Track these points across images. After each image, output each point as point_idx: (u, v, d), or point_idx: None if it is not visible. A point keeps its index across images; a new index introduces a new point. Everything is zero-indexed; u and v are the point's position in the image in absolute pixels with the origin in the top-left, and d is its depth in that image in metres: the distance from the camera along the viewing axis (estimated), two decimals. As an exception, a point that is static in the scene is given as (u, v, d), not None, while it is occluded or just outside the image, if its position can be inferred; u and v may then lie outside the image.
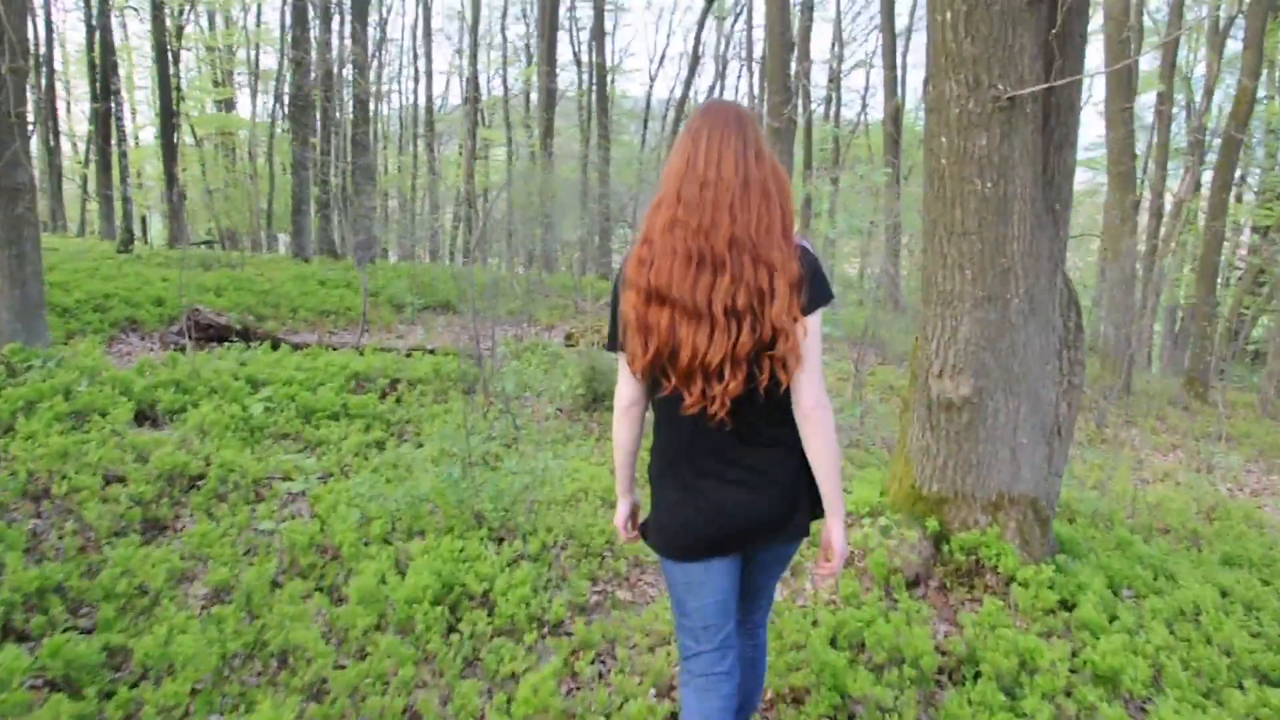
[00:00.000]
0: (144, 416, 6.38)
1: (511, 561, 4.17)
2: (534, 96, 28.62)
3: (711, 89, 30.15)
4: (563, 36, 30.00)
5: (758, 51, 23.84)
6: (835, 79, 25.18)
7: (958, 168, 3.99)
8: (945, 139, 4.01)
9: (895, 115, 18.66)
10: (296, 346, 9.21)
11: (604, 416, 7.77)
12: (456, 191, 30.35)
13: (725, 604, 2.37)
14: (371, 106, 26.50)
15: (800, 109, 13.67)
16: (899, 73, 17.89)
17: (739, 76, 35.16)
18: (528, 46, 31.64)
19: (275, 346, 8.91)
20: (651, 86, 42.69)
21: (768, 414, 2.18)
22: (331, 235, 21.17)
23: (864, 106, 27.12)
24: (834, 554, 2.30)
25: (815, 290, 2.13)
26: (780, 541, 2.36)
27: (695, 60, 26.74)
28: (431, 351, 9.83)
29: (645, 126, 31.32)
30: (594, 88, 25.20)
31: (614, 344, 2.31)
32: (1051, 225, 4.19)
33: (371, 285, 13.78)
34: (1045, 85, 3.98)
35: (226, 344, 8.97)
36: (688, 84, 27.07)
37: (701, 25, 26.36)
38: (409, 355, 9.35)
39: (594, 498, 5.37)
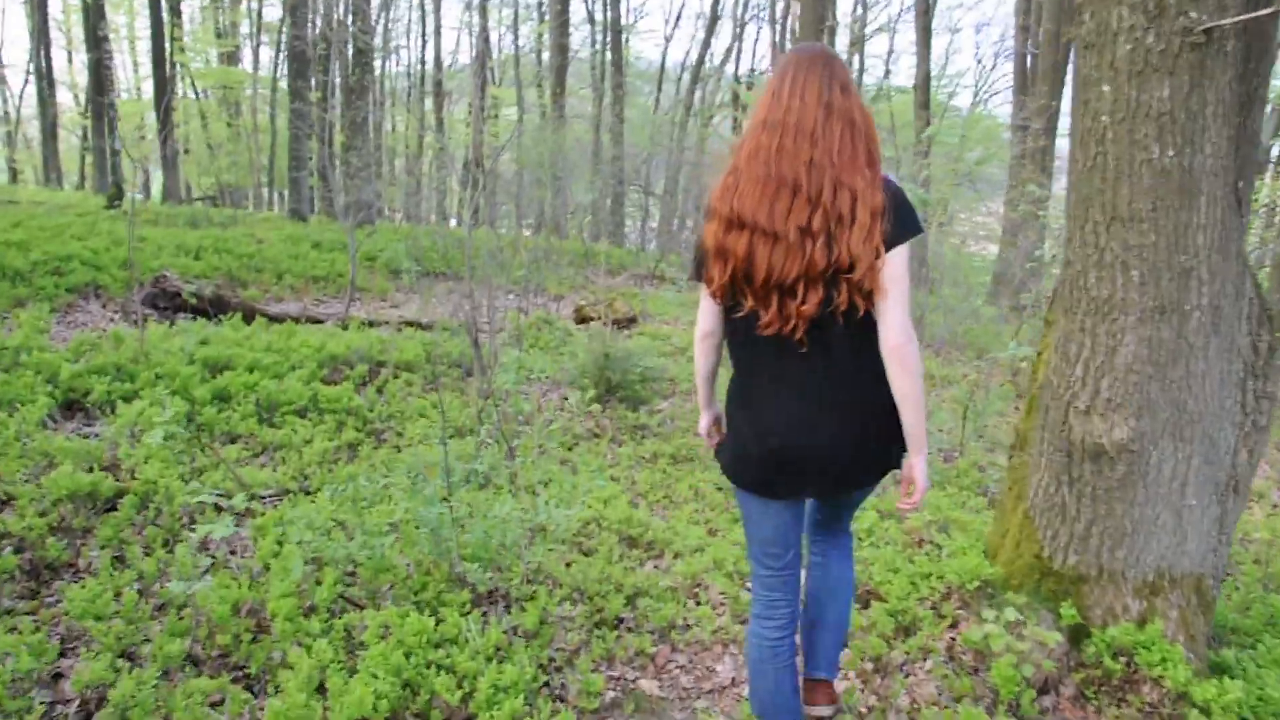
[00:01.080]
0: (74, 408, 5.26)
1: (499, 647, 3.05)
2: (546, 56, 27.24)
3: (729, 51, 28.71)
4: (577, -7, 28.57)
5: (779, 10, 22.44)
6: (859, 42, 23.74)
7: (1127, 128, 2.81)
8: (1109, 88, 2.83)
9: (925, 83, 17.32)
10: (274, 319, 8.07)
11: (618, 412, 6.64)
12: (465, 151, 29.04)
13: (787, 535, 2.43)
14: (376, 62, 25.20)
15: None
16: (930, 35, 16.51)
17: (755, 40, 33.63)
18: (540, 3, 30.16)
19: (249, 319, 7.77)
20: (666, 48, 41.14)
21: (847, 342, 2.16)
22: (332, 195, 19.92)
23: (887, 73, 25.69)
24: (916, 489, 2.29)
25: (901, 221, 2.11)
26: (848, 490, 2.41)
27: (714, 20, 25.33)
28: (426, 326, 8.69)
29: (659, 89, 29.90)
30: (608, 46, 23.82)
31: (697, 273, 2.31)
32: (1237, 211, 3.02)
33: (368, 249, 12.60)
34: (1255, 14, 2.80)
35: (197, 315, 7.84)
36: (705, 45, 25.69)
37: (721, -16, 24.91)
38: (400, 330, 8.21)
39: (609, 531, 4.27)
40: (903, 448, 2.28)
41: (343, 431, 5.31)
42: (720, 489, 5.32)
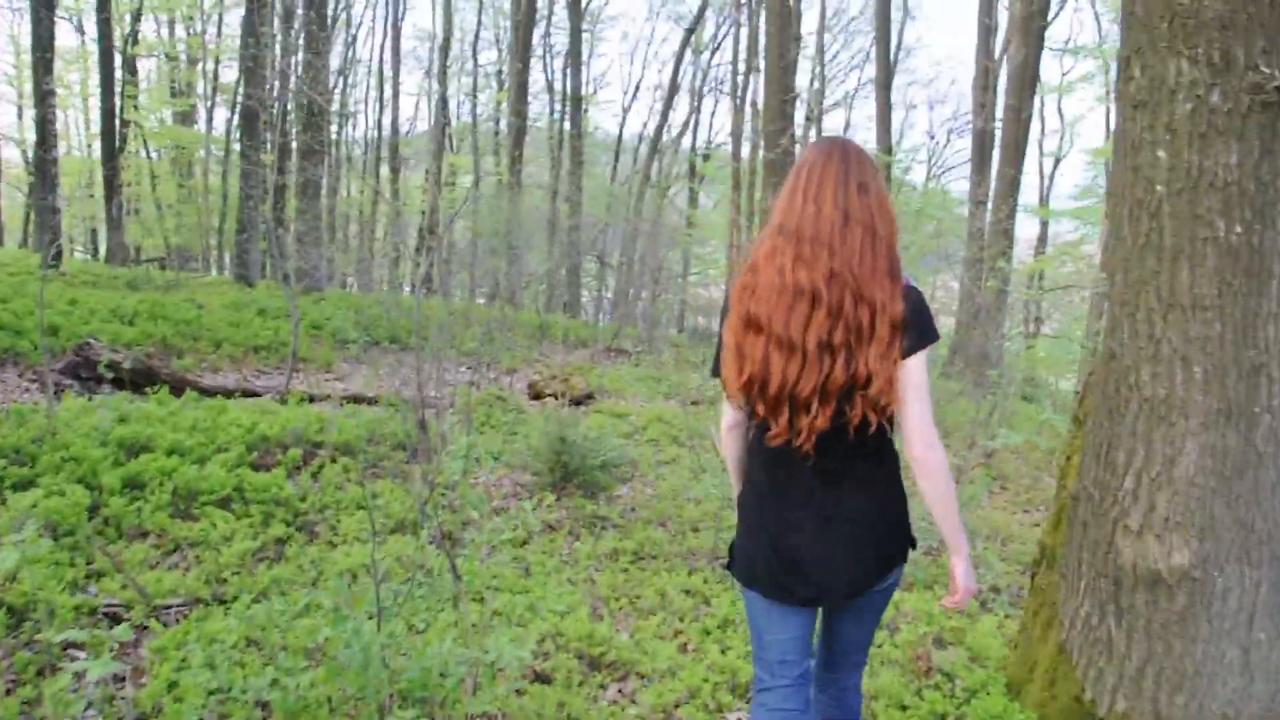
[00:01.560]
0: (-38, 497, 4.59)
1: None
2: (504, 124, 27.02)
3: (686, 123, 28.76)
4: (536, 64, 28.53)
5: (740, 85, 22.46)
6: (816, 117, 23.80)
7: (1187, 200, 2.39)
8: (1165, 154, 2.42)
9: (885, 153, 17.26)
10: (206, 392, 7.42)
11: (575, 501, 6.08)
12: (420, 218, 28.59)
13: (803, 641, 2.33)
14: (333, 126, 24.80)
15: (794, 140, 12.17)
16: (890, 109, 16.50)
17: (713, 112, 33.84)
18: (499, 73, 30.05)
19: (178, 392, 7.12)
20: (624, 118, 41.36)
21: (858, 454, 2.13)
22: (278, 259, 19.26)
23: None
24: (959, 590, 2.21)
25: (919, 331, 2.06)
26: (862, 593, 2.23)
27: (672, 92, 25.34)
28: (372, 401, 8.09)
29: (617, 159, 29.81)
30: (567, 114, 23.66)
31: (717, 369, 2.25)
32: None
33: (314, 317, 11.98)
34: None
35: (121, 387, 7.18)
36: (663, 116, 25.65)
37: (680, 57, 24.99)
38: (342, 406, 7.60)
39: (568, 654, 3.70)
40: (904, 558, 2.25)
41: (270, 526, 4.68)
42: (689, 593, 4.77)
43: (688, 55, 26.23)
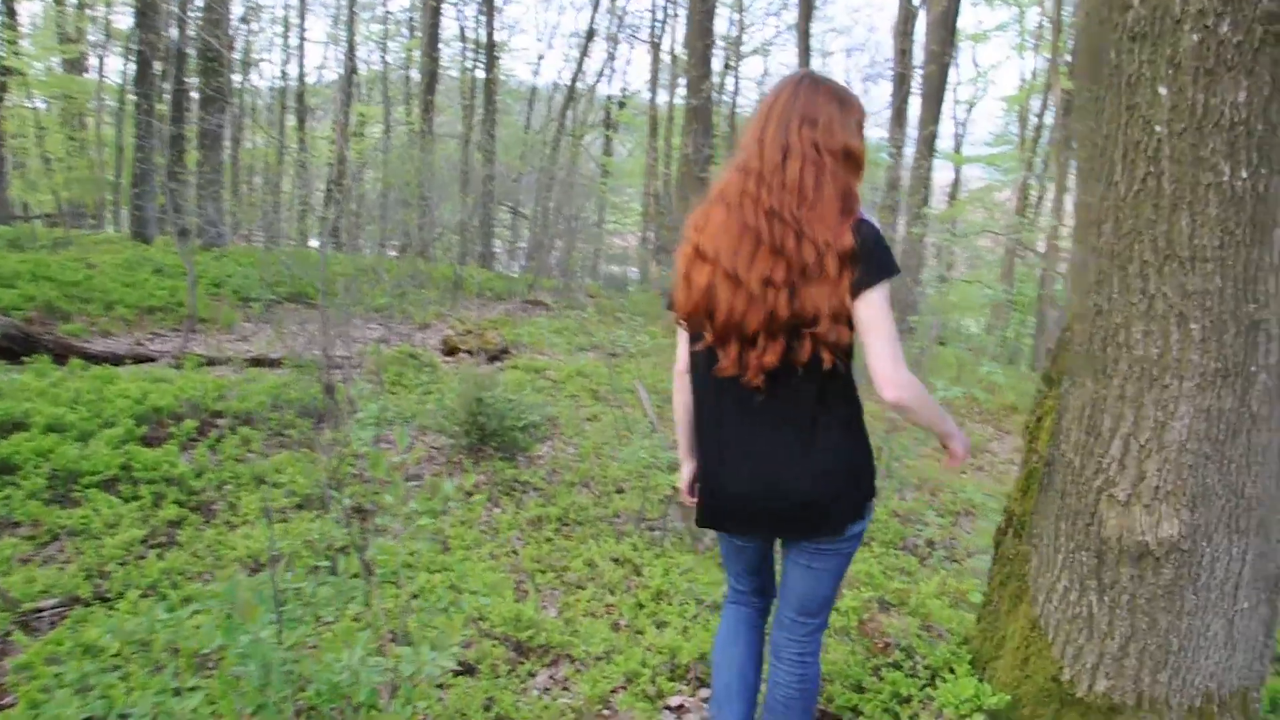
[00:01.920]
0: None
1: None
2: (415, 74, 25.94)
3: (602, 70, 28.09)
4: (448, 10, 27.45)
5: (658, 31, 21.91)
6: (734, 65, 23.45)
7: (1190, 142, 2.13)
8: (1167, 90, 2.15)
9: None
10: (94, 359, 6.82)
11: (494, 464, 5.74)
12: (328, 169, 27.39)
13: (759, 568, 2.43)
14: (236, 75, 23.49)
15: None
16: (809, 56, 16.18)
17: (628, 60, 33.11)
18: (410, 20, 28.82)
19: (62, 360, 6.52)
20: (539, 66, 40.32)
21: (809, 392, 2.04)
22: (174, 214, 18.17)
23: (760, 95, 25.45)
24: (957, 457, 2.25)
25: (873, 265, 1.96)
26: (805, 538, 2.18)
27: (588, 39, 24.64)
28: (275, 364, 7.57)
29: (531, 107, 29.01)
30: (481, 61, 22.82)
31: (669, 301, 2.20)
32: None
33: (215, 275, 11.26)
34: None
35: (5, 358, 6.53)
36: (579, 63, 24.95)
37: (596, 3, 24.28)
38: (244, 370, 7.08)
39: (493, 640, 3.39)
40: (858, 514, 2.17)
41: (161, 508, 4.23)
42: (619, 562, 4.50)
43: (604, 1, 25.52)
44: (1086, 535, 2.39)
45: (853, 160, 2.05)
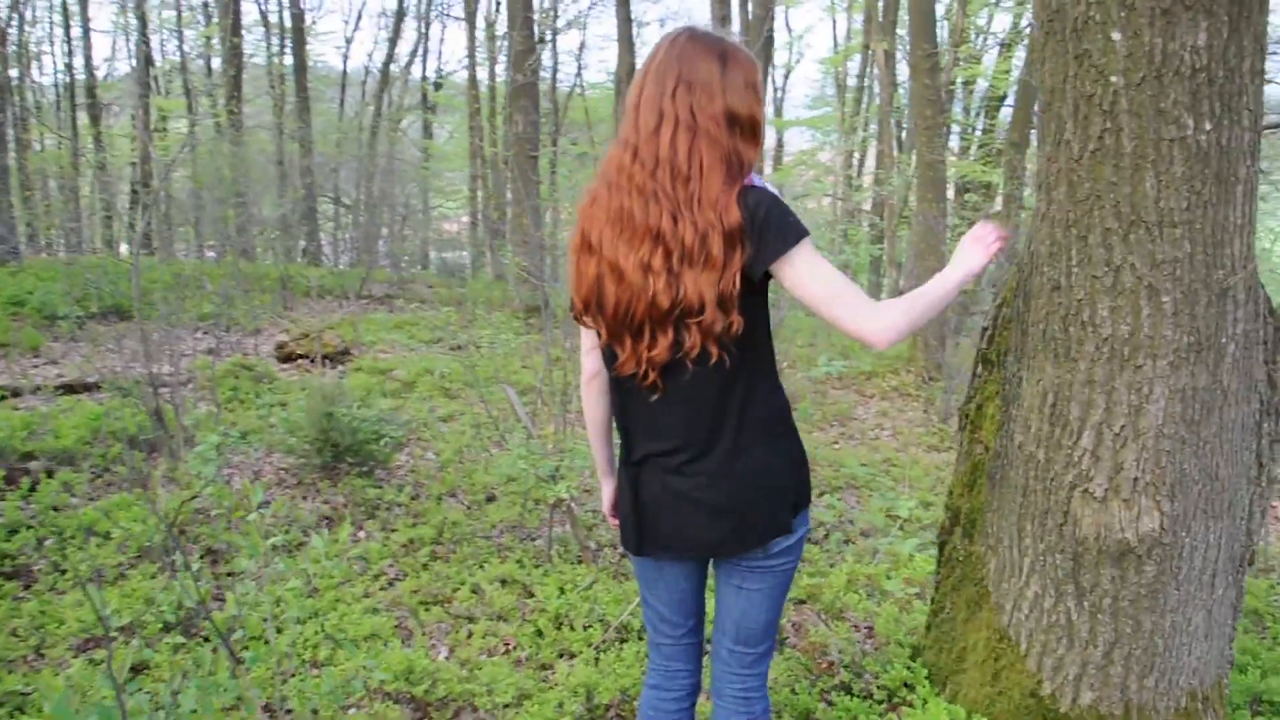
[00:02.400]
0: None
1: None
2: (217, 63, 24.09)
3: (415, 51, 26.95)
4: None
5: (473, 7, 21.05)
6: (551, 38, 22.84)
7: (1150, 92, 1.89)
8: (1121, 35, 1.89)
9: (630, 75, 16.69)
10: None
11: (353, 485, 5.18)
12: (132, 170, 25.15)
13: (684, 603, 2.08)
14: (11, 69, 21.12)
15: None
16: (631, 25, 15.84)
17: (442, 39, 31.93)
18: (206, 5, 26.72)
19: None
20: (348, 49, 38.46)
21: (710, 391, 1.79)
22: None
23: (580, 68, 25.05)
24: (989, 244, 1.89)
25: (773, 235, 1.69)
26: (727, 555, 1.92)
27: (399, 19, 23.52)
28: (93, 388, 6.69)
29: (344, 92, 27.55)
30: (289, 48, 21.40)
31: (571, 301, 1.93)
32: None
33: (13, 292, 9.99)
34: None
35: None
36: (391, 45, 23.82)
37: (403, -20, 23.14)
38: (58, 398, 6.21)
39: (384, 700, 2.93)
40: (786, 528, 1.89)
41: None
42: (506, 584, 4.10)
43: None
44: (1060, 536, 2.15)
45: (740, 125, 1.76)
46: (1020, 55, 17.37)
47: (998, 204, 15.68)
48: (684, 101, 1.73)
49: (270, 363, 8.59)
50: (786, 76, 28.11)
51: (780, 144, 23.25)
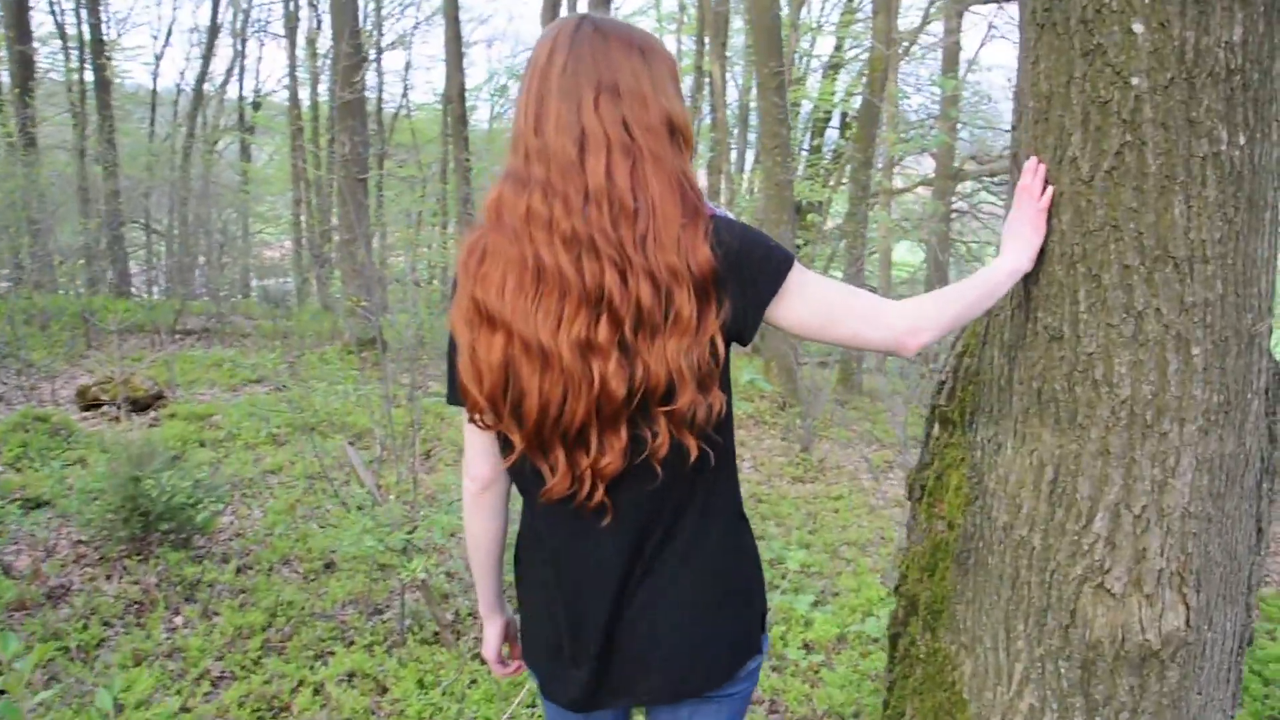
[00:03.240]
0: None
1: None
2: (5, 76, 21.76)
3: (231, 69, 25.26)
4: (39, 2, 23.32)
5: (293, 25, 19.83)
6: (375, 56, 21.81)
7: (1180, 98, 1.50)
8: (1143, 27, 1.49)
9: (460, 96, 16.00)
10: None
11: (169, 560, 4.37)
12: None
13: None
14: None
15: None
16: (461, 45, 15.21)
17: (259, 57, 30.17)
18: (-15, 12, 24.15)
19: None
20: (158, 66, 35.87)
21: (674, 498, 1.36)
22: None
23: (406, 87, 24.09)
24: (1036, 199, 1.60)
25: (757, 272, 1.31)
26: (687, 695, 1.47)
27: (212, 36, 21.91)
28: None
29: (154, 112, 25.49)
30: (89, 63, 19.51)
31: (453, 391, 1.42)
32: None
33: None
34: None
35: None
36: (204, 62, 22.18)
37: (216, -5, 21.59)
38: None
39: None
40: (757, 648, 1.51)
41: None
42: (354, 679, 3.46)
43: (223, -8, 22.75)
44: (1065, 639, 1.73)
45: (680, 134, 1.35)
46: (844, 80, 17.82)
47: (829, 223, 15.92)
48: (611, 115, 1.29)
49: (70, 411, 7.51)
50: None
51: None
